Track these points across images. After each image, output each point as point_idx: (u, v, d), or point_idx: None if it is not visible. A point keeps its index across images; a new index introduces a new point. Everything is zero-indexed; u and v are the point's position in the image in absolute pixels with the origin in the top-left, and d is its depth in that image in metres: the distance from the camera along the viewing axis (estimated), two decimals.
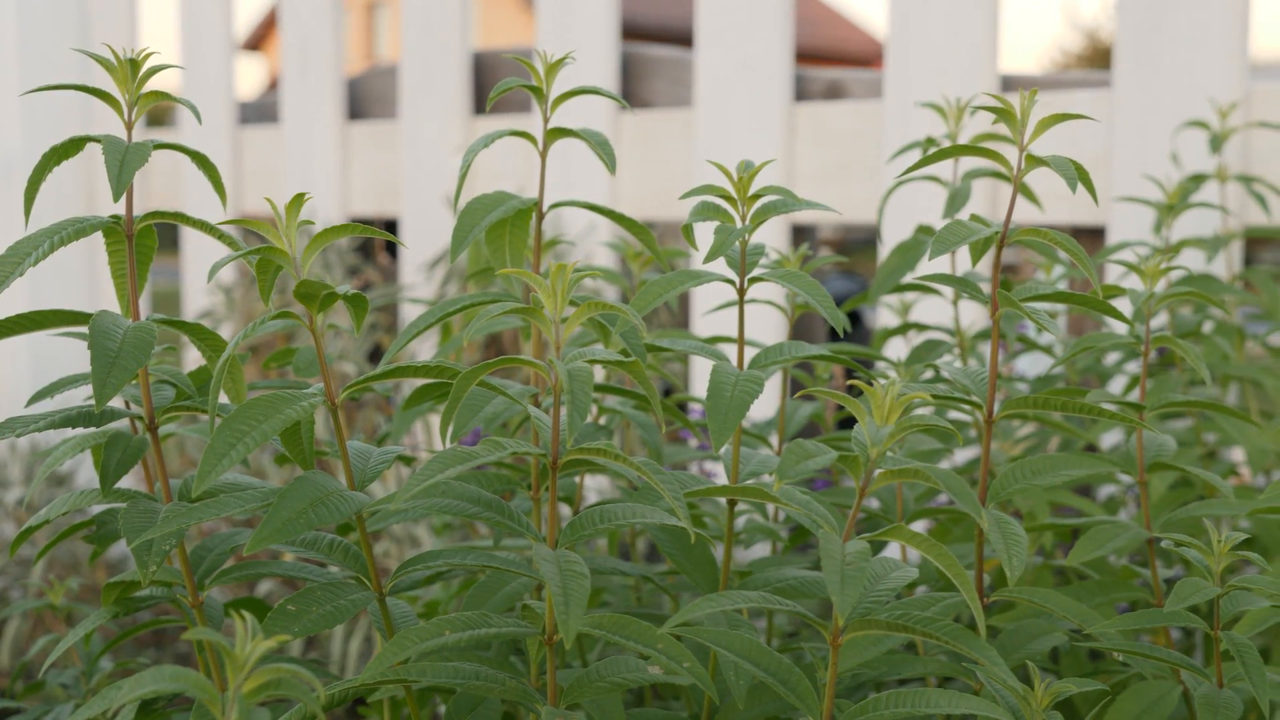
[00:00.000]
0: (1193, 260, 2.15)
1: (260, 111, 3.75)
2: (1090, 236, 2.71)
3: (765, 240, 2.60)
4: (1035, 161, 1.18)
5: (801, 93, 2.74)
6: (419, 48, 3.14)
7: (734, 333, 2.49)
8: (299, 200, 1.09)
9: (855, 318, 3.43)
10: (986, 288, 1.68)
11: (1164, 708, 1.18)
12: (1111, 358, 2.00)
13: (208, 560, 1.24)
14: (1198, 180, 1.98)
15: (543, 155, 1.27)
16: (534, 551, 0.99)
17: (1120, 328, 2.15)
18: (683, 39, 3.27)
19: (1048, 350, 1.79)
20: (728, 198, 1.20)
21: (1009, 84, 2.53)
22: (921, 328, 1.79)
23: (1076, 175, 1.14)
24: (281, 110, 3.43)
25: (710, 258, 1.15)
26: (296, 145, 3.40)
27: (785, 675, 1.03)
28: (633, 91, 3.04)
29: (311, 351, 1.42)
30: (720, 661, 1.10)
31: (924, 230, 1.72)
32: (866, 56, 26.12)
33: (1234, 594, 1.16)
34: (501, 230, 1.29)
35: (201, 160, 1.17)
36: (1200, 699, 1.12)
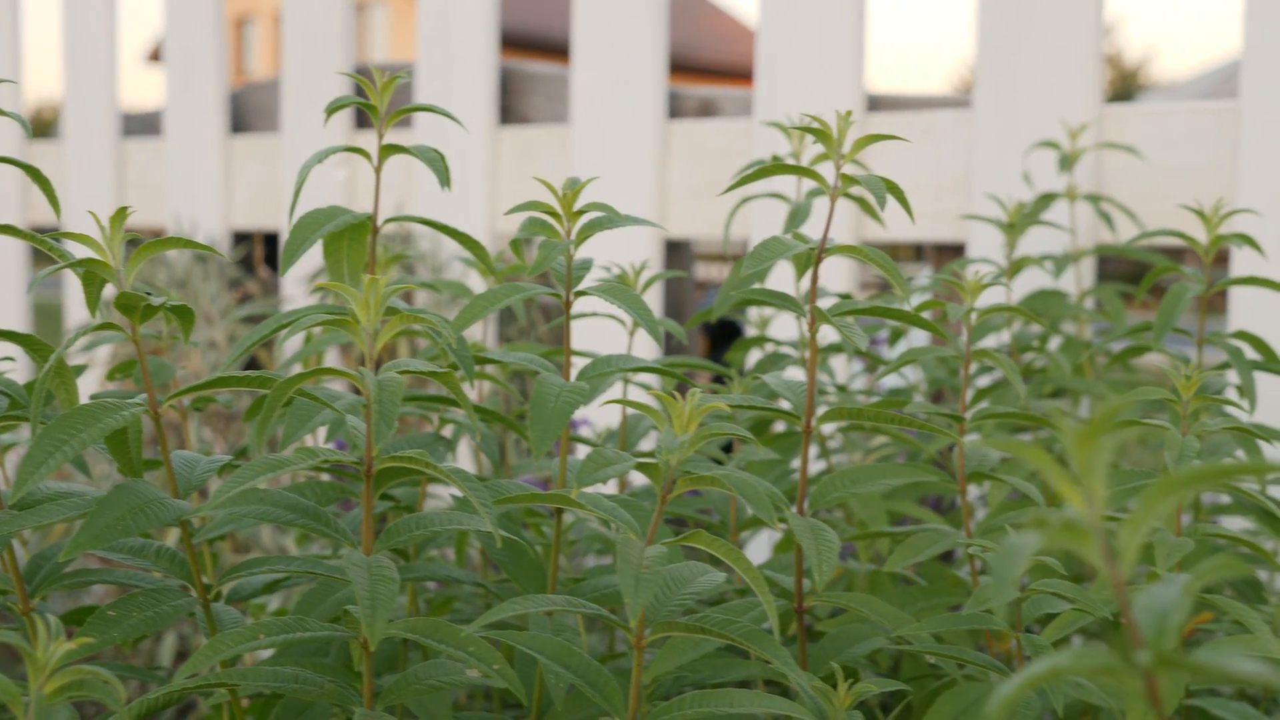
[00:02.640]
0: (1047, 278, 2.21)
1: (147, 123, 3.75)
2: (954, 252, 2.77)
3: (639, 254, 2.64)
4: (850, 180, 1.22)
5: (675, 110, 2.78)
6: (301, 61, 3.15)
7: (614, 348, 2.53)
8: (122, 214, 1.11)
9: (736, 329, 3.51)
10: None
11: (980, 708, 1.22)
12: (973, 369, 2.05)
13: (46, 568, 1.25)
14: (1048, 199, 2.03)
15: (377, 171, 1.29)
16: (345, 557, 1.01)
17: (991, 339, 2.21)
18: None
19: (880, 360, 1.84)
20: (554, 214, 1.23)
21: (876, 104, 2.58)
22: (777, 342, 1.83)
23: (885, 193, 1.18)
24: (164, 123, 3.43)
25: (532, 272, 1.18)
26: (179, 158, 3.40)
27: (594, 678, 1.06)
28: (512, 107, 3.07)
29: (155, 362, 1.44)
30: (543, 665, 1.13)
31: None
32: None
33: (1036, 598, 1.20)
34: (339, 244, 1.31)
35: (34, 173, 1.19)
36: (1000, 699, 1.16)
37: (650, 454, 1.40)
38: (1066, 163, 2.06)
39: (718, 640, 1.07)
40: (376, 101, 1.28)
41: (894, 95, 2.63)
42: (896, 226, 2.44)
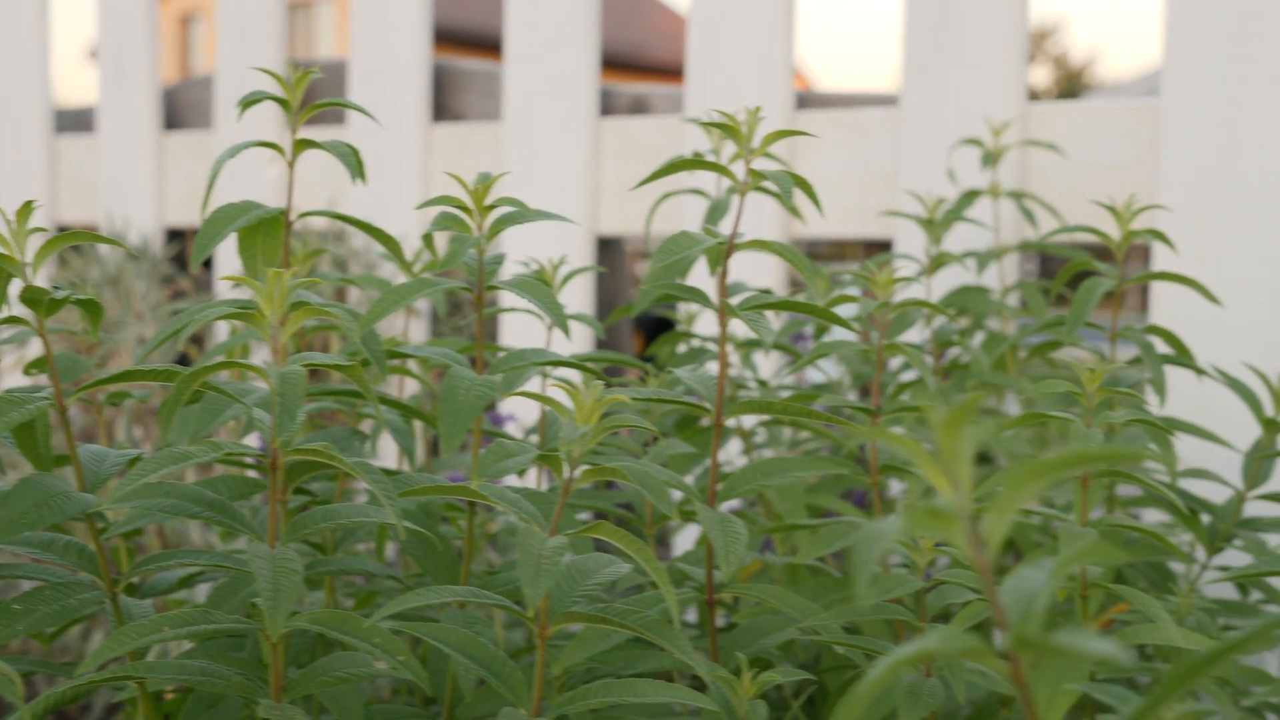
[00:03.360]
0: (970, 274, 2.23)
1: (81, 120, 3.73)
2: (884, 249, 2.78)
3: (569, 251, 2.64)
4: (759, 176, 1.23)
5: (608, 108, 2.79)
6: (234, 57, 3.14)
7: (547, 344, 2.53)
8: (27, 208, 1.11)
9: (671, 325, 3.52)
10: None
11: (890, 698, 1.24)
12: (896, 363, 2.07)
13: None
14: (971, 196, 2.05)
15: (290, 165, 1.30)
16: (249, 549, 1.02)
17: (913, 334, 2.22)
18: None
19: (797, 354, 1.84)
20: (465, 209, 1.24)
21: (806, 101, 2.60)
22: (702, 337, 1.84)
23: (792, 187, 1.20)
24: (97, 119, 3.41)
25: (441, 266, 1.19)
26: (112, 154, 3.39)
27: (499, 668, 1.07)
28: (446, 104, 3.07)
29: (67, 357, 1.43)
30: (450, 657, 1.13)
31: None
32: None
33: (944, 588, 1.22)
34: (254, 239, 1.31)
35: None
36: (905, 688, 1.17)
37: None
38: (989, 160, 2.08)
39: (626, 631, 1.08)
40: (290, 97, 1.29)
41: (824, 94, 2.65)
42: (826, 223, 2.45)
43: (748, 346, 1.81)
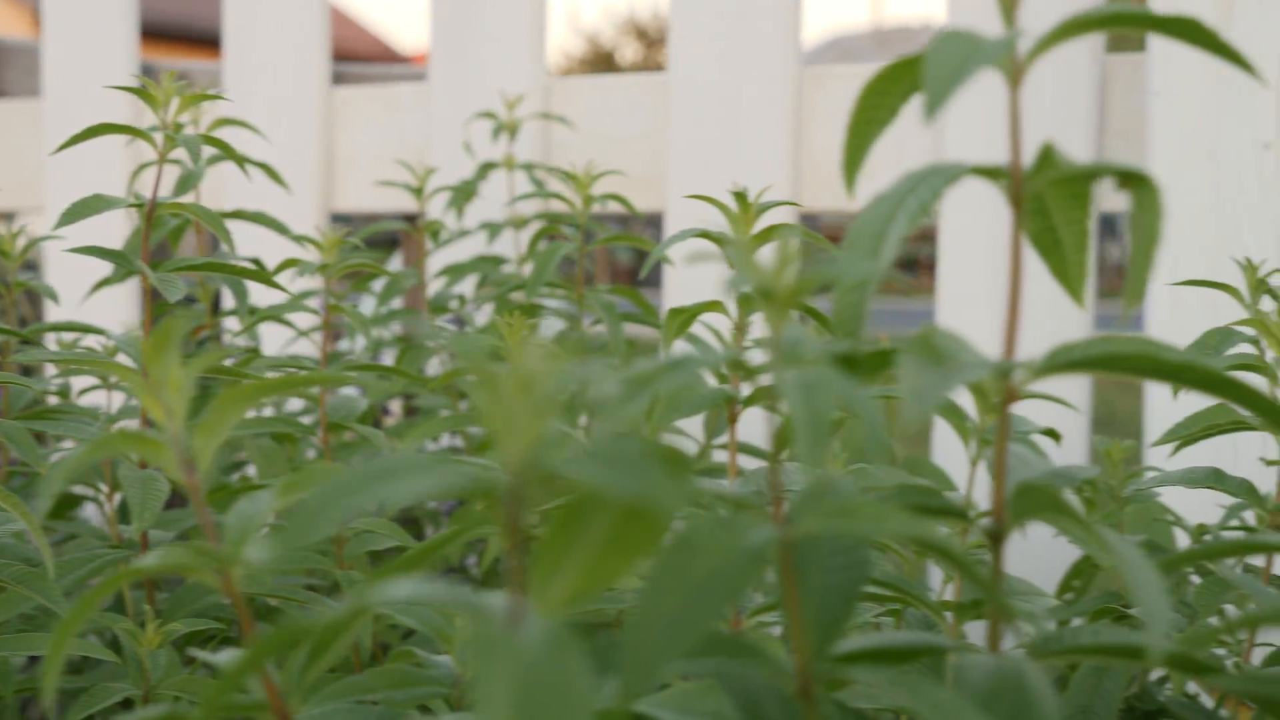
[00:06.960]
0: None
1: None
2: (412, 221, 2.84)
3: (121, 229, 2.61)
4: (173, 142, 1.26)
5: None
6: None
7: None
8: None
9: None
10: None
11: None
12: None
13: None
14: (487, 168, 2.12)
15: None
16: None
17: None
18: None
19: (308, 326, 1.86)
20: None
21: (342, 78, 2.64)
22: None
23: (200, 150, 1.23)
24: None
25: None
26: None
27: None
28: None
29: None
30: None
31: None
32: (373, 55, 26.01)
33: (363, 536, 1.27)
34: None
35: None
36: (323, 624, 1.22)
37: None
38: (498, 132, 2.14)
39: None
40: None
41: (360, 70, 2.69)
42: (363, 198, 2.50)
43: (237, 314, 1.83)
